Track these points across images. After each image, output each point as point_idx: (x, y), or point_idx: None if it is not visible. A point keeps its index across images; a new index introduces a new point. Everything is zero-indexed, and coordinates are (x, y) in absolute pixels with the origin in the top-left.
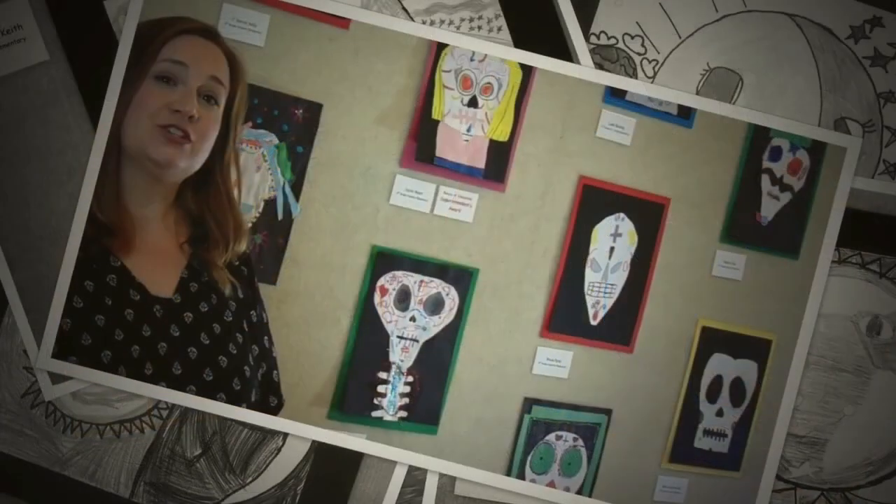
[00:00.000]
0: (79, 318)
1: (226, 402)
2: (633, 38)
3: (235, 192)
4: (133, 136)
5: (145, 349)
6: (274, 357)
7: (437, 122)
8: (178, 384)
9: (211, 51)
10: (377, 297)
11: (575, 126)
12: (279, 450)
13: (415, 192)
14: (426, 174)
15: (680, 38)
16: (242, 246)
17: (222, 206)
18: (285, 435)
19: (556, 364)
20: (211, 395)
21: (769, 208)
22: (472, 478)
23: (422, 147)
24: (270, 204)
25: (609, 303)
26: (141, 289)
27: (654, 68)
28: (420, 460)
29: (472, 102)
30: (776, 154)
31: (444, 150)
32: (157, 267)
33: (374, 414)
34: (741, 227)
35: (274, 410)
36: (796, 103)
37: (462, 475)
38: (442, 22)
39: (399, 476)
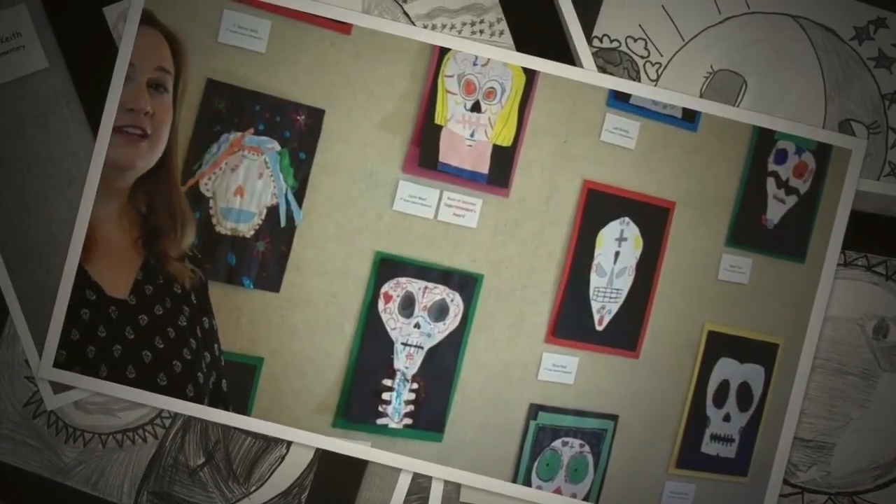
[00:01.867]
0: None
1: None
2: (636, 40)
3: (237, 201)
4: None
5: (100, 350)
6: (223, 366)
7: (440, 128)
8: (133, 387)
9: (153, 39)
10: (381, 304)
11: (578, 130)
12: (283, 458)
13: (418, 197)
14: (429, 180)
15: (683, 40)
16: (189, 237)
17: (170, 193)
18: (289, 443)
19: (562, 370)
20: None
21: (775, 211)
22: (477, 485)
23: (425, 152)
24: (273, 211)
25: (615, 308)
26: (96, 289)
27: (657, 71)
28: (425, 468)
29: (476, 107)
30: (781, 157)
31: (447, 155)
32: (113, 267)
33: (379, 421)
34: (747, 231)
35: None
36: (800, 105)
37: (467, 482)
38: (444, 26)
39: (404, 484)
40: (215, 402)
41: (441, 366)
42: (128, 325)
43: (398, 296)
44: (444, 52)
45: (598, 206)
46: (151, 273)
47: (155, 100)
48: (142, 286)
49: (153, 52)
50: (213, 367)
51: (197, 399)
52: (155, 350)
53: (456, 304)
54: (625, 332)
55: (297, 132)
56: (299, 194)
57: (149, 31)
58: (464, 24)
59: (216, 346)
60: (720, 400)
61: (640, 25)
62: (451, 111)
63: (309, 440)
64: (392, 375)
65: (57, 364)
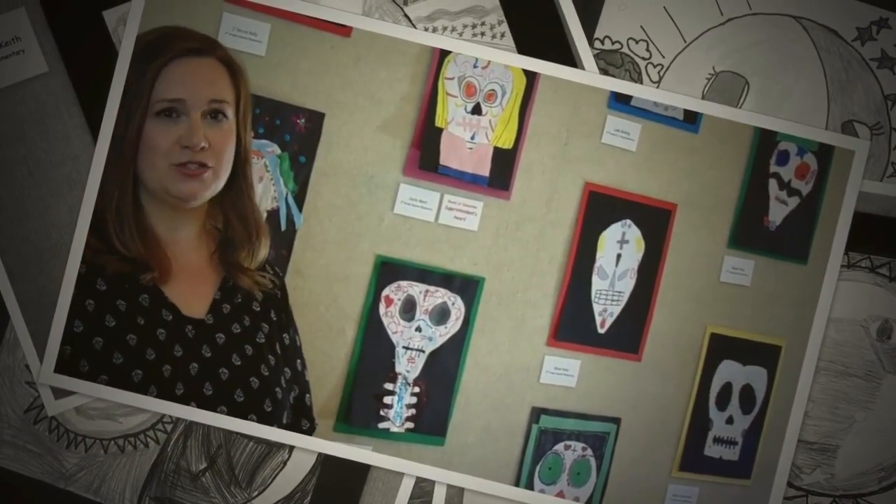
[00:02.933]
0: (111, 335)
1: (257, 423)
2: (637, 42)
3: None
4: (151, 177)
5: (176, 369)
6: (307, 381)
7: (440, 130)
8: (210, 405)
9: (206, 71)
10: (382, 308)
11: (580, 132)
12: (285, 463)
13: (419, 200)
14: (430, 182)
15: (685, 42)
16: (264, 248)
17: (244, 203)
18: (291, 448)
19: (564, 373)
20: (242, 417)
21: (777, 213)
22: (480, 489)
23: (425, 155)
24: (273, 215)
25: (616, 310)
26: (173, 309)
27: (659, 73)
28: (427, 472)
29: (476, 109)
30: (783, 158)
31: (448, 158)
32: (190, 288)
33: (381, 425)
34: (749, 233)
35: (307, 433)
36: (803, 106)
37: (470, 486)
38: (444, 29)
39: (406, 488)
40: (298, 418)
41: (443, 369)
42: (205, 343)
43: (399, 299)
44: (444, 54)
45: (600, 208)
46: (229, 293)
47: (212, 129)
48: (219, 305)
49: (206, 84)
50: (295, 383)
51: (275, 414)
52: (232, 367)
53: (457, 307)
54: (627, 335)
55: (298, 135)
56: (300, 198)
57: (200, 63)
58: (464, 26)
59: (299, 361)
60: (723, 402)
61: (641, 27)
62: (452, 114)
63: (311, 445)
64: (393, 379)
65: (131, 387)
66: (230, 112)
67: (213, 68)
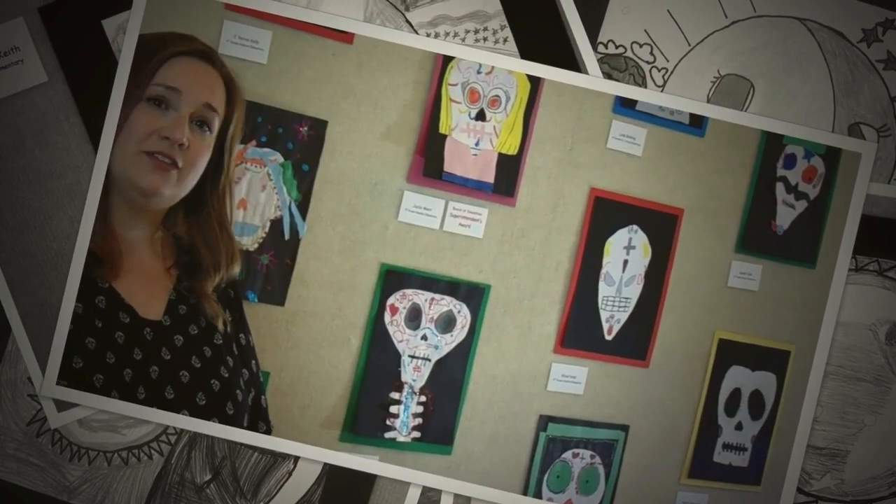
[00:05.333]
0: (70, 339)
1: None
2: (641, 46)
3: (240, 214)
4: (119, 160)
5: (137, 373)
6: (261, 382)
7: (444, 137)
8: (171, 408)
9: (207, 76)
10: (387, 316)
11: (585, 137)
12: (290, 473)
13: (423, 208)
14: (435, 190)
15: (689, 45)
16: (235, 270)
17: (213, 233)
18: (296, 458)
19: (572, 380)
20: (205, 419)
21: (785, 217)
22: (487, 498)
23: (429, 162)
24: (276, 224)
25: (624, 317)
26: (130, 311)
27: (663, 77)
28: (434, 481)
29: (480, 116)
30: (790, 161)
31: (452, 164)
32: (145, 289)
33: (387, 435)
34: (756, 237)
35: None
36: (809, 109)
37: (477, 495)
38: (447, 34)
39: (413, 498)
40: (255, 419)
41: (449, 378)
42: (164, 346)
43: (404, 308)
44: (447, 60)
45: (606, 214)
46: (184, 294)
47: (195, 135)
48: (175, 306)
49: (204, 87)
50: (252, 384)
51: (236, 417)
52: (192, 370)
53: (463, 315)
54: (634, 342)
55: (300, 143)
56: (303, 206)
57: (204, 68)
58: (467, 31)
59: (254, 362)
60: (732, 408)
61: (645, 31)
62: (456, 120)
63: (316, 455)
64: (399, 388)
65: (94, 390)
66: (215, 126)
67: (214, 78)
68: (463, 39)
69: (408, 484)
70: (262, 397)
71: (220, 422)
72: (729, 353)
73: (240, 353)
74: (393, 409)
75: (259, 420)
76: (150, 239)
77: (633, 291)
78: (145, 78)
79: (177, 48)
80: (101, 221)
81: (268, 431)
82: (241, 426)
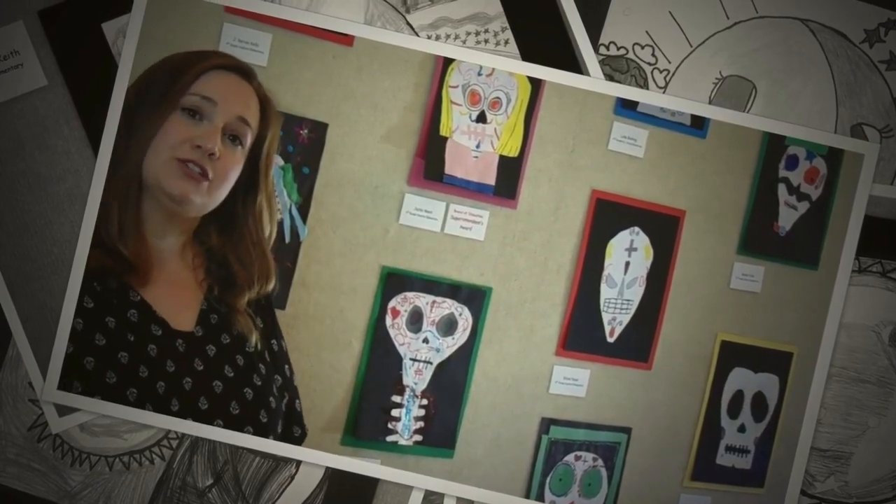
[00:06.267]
0: (102, 354)
1: (253, 434)
2: (643, 47)
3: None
4: (151, 166)
5: (170, 385)
6: (295, 386)
7: (445, 139)
8: (206, 419)
9: (243, 90)
10: (389, 319)
11: (586, 139)
12: (292, 478)
13: (424, 210)
14: (435, 192)
15: (691, 46)
16: (269, 287)
17: (248, 252)
18: (298, 462)
19: (574, 383)
20: (239, 429)
21: (787, 218)
22: (489, 501)
23: (430, 165)
24: (277, 227)
25: (626, 319)
26: (163, 324)
27: (665, 78)
28: (436, 484)
29: (481, 118)
30: (792, 162)
31: (453, 167)
32: (176, 300)
33: (389, 438)
34: (759, 238)
35: (298, 441)
36: (811, 110)
37: (480, 499)
38: (447, 36)
39: (416, 501)
40: (289, 425)
41: (451, 381)
42: (196, 356)
43: (406, 311)
44: (448, 62)
45: (607, 215)
46: (215, 303)
47: (226, 148)
48: (207, 316)
49: (239, 101)
50: (285, 389)
51: (270, 424)
52: (225, 379)
53: (464, 317)
54: (637, 344)
55: (301, 146)
56: (304, 209)
57: (241, 83)
58: (468, 33)
59: (287, 367)
60: (735, 410)
61: (647, 32)
62: (457, 122)
63: (318, 459)
64: (401, 391)
65: (128, 404)
66: (247, 142)
67: (249, 93)
68: (464, 41)
69: (410, 488)
70: (297, 401)
71: (255, 430)
72: (731, 355)
73: (272, 360)
74: (395, 412)
75: (294, 425)
76: (181, 249)
77: (635, 293)
78: (182, 87)
79: (215, 61)
80: (133, 229)
81: (303, 436)
82: (275, 433)
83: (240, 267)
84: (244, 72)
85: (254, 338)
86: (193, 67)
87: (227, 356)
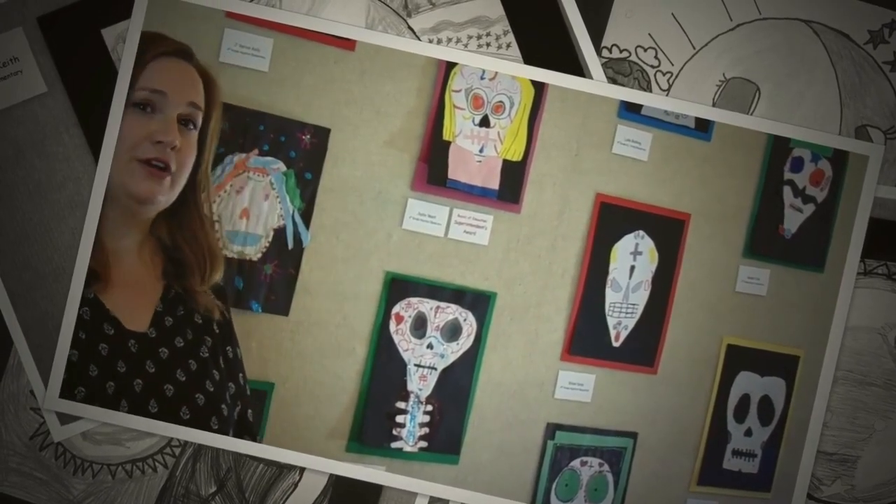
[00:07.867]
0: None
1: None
2: (646, 50)
3: (242, 224)
4: (112, 169)
5: (120, 385)
6: (248, 396)
7: (448, 144)
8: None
9: (188, 74)
10: (392, 325)
11: (590, 143)
12: (296, 485)
13: (428, 215)
14: (439, 197)
15: (694, 48)
16: (218, 273)
17: (194, 230)
18: (302, 469)
19: (579, 388)
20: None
21: (792, 220)
22: None
23: (433, 169)
24: (280, 233)
25: (631, 323)
26: (115, 323)
27: (668, 81)
28: (442, 491)
29: (484, 122)
30: (798, 165)
31: (456, 171)
32: (132, 300)
33: (394, 445)
34: (764, 241)
35: None
36: (816, 112)
37: None
38: (449, 40)
39: None
40: (240, 433)
41: (455, 386)
42: (148, 358)
43: (410, 316)
44: (450, 66)
45: (612, 219)
46: (171, 305)
47: (182, 135)
48: (161, 318)
49: (187, 86)
50: (238, 398)
51: (221, 431)
52: (177, 383)
53: (469, 323)
54: (642, 348)
55: (303, 152)
56: (306, 215)
57: (183, 66)
58: (470, 37)
59: (241, 375)
60: (741, 414)
61: (649, 34)
62: (460, 126)
63: (322, 466)
64: (406, 398)
65: (77, 401)
66: (198, 123)
67: (193, 75)
68: (466, 45)
69: (415, 494)
70: (249, 410)
71: None
72: (737, 359)
73: (226, 367)
74: (399, 418)
75: (245, 434)
76: (138, 248)
77: (641, 297)
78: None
79: (156, 50)
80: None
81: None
82: None
83: (189, 249)
84: (184, 53)
85: (217, 314)
86: (137, 61)
87: (181, 360)
